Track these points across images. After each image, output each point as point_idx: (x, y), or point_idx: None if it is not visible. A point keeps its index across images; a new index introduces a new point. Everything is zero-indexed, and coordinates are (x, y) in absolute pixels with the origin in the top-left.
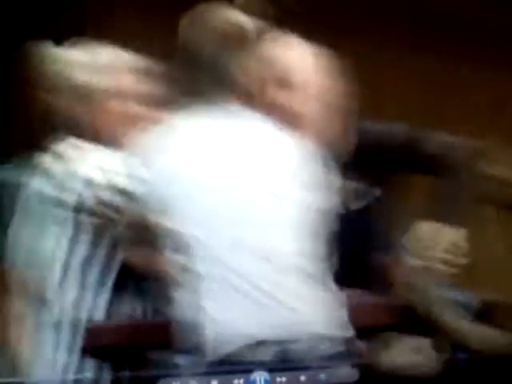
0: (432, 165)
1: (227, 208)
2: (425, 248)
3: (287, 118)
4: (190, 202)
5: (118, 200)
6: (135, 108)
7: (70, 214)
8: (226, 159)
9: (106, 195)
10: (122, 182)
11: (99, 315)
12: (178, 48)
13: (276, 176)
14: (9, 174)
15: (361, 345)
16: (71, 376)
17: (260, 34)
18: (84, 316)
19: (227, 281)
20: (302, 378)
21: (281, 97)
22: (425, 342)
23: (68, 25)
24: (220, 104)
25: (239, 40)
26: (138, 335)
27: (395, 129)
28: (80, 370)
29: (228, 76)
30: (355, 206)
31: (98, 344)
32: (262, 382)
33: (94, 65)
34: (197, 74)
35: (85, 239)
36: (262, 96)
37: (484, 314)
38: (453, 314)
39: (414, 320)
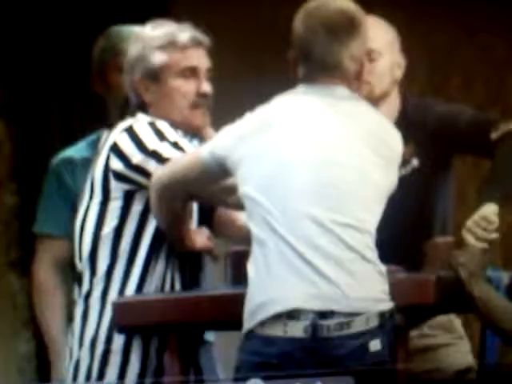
0: (492, 149)
1: (303, 181)
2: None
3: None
4: (265, 171)
5: (153, 166)
6: (204, 86)
7: (98, 180)
8: (320, 136)
9: (145, 161)
10: (165, 149)
11: (130, 288)
12: (293, 40)
13: (366, 156)
14: (78, 150)
15: (399, 319)
16: (100, 348)
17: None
18: (115, 288)
19: (272, 248)
20: None
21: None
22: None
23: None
24: (328, 87)
25: (350, 28)
26: (167, 311)
27: (462, 110)
28: (108, 342)
29: (339, 63)
30: None
31: (126, 320)
32: None
33: (171, 45)
34: (309, 61)
35: (115, 207)
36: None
37: None
38: (488, 291)
39: (446, 297)
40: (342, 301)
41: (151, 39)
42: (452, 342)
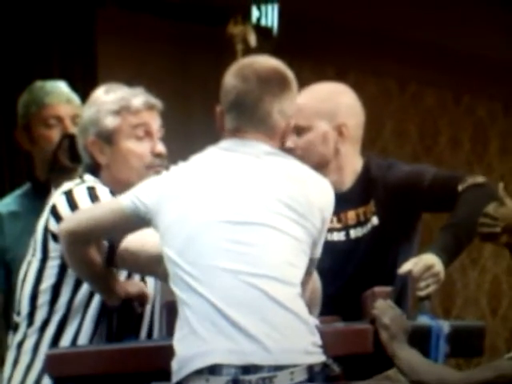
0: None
1: (212, 238)
2: None
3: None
4: (180, 229)
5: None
6: (158, 146)
7: (39, 239)
8: (236, 194)
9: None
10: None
11: (63, 342)
12: (222, 93)
13: (282, 212)
14: (5, 204)
15: (336, 369)
16: None
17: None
18: (47, 341)
19: (193, 307)
20: None
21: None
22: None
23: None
24: (250, 142)
25: (282, 84)
26: (100, 363)
27: (425, 168)
28: None
29: (268, 114)
30: (354, 233)
31: (59, 371)
32: None
33: (125, 109)
34: (239, 111)
35: (53, 265)
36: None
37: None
38: (409, 352)
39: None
40: (263, 354)
41: (105, 103)
42: None
